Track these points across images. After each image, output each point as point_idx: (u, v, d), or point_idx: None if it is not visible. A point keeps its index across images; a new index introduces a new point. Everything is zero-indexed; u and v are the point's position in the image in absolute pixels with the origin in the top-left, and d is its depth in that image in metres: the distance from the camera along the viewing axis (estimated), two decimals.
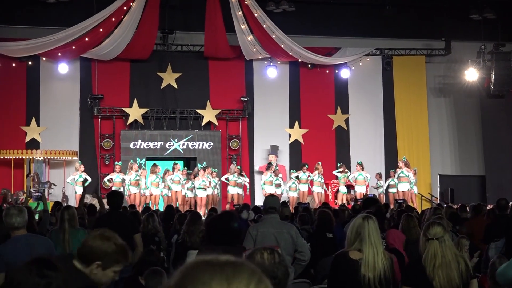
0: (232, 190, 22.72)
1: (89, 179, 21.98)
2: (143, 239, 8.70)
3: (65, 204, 19.34)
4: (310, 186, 23.10)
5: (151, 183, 21.87)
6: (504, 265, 6.07)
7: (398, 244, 8.24)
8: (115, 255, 3.94)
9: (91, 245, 3.95)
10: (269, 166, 23.27)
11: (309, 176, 23.14)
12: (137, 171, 21.93)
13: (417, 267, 5.22)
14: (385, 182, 23.60)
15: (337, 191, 23.85)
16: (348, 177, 23.50)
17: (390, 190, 23.10)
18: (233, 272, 1.68)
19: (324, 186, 23.36)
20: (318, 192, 22.92)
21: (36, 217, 11.36)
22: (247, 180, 23.26)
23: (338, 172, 23.53)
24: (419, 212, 13.78)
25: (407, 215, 8.55)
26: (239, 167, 23.51)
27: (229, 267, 1.69)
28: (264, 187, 22.64)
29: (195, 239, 8.22)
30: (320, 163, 23.31)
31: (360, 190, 22.94)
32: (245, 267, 1.71)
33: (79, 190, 21.84)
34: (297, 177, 23.08)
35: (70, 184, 22.15)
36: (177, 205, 21.15)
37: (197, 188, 21.88)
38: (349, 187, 23.64)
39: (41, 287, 3.17)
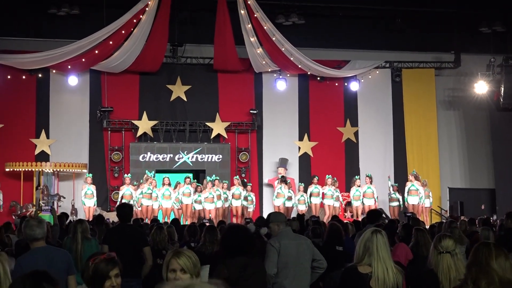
0: (235, 203, 22.62)
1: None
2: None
3: (74, 218, 19.49)
4: (321, 199, 22.97)
5: (162, 195, 21.87)
6: None
7: (403, 259, 8.20)
8: None
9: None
10: (283, 179, 23.11)
11: (322, 188, 22.98)
12: (151, 183, 21.93)
13: (427, 278, 5.18)
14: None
15: (347, 204, 23.76)
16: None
17: (392, 204, 22.99)
18: None
19: (341, 198, 23.22)
20: (329, 205, 22.81)
21: None
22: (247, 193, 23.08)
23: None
24: (427, 226, 13.67)
25: (419, 229, 8.41)
26: (244, 180, 23.44)
27: None
28: (275, 200, 22.66)
29: (216, 248, 8.43)
30: (330, 176, 23.18)
31: (368, 203, 22.78)
32: None
33: (88, 203, 21.89)
34: (310, 194, 22.91)
35: (83, 199, 22.09)
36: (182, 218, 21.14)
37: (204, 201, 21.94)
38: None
39: None
